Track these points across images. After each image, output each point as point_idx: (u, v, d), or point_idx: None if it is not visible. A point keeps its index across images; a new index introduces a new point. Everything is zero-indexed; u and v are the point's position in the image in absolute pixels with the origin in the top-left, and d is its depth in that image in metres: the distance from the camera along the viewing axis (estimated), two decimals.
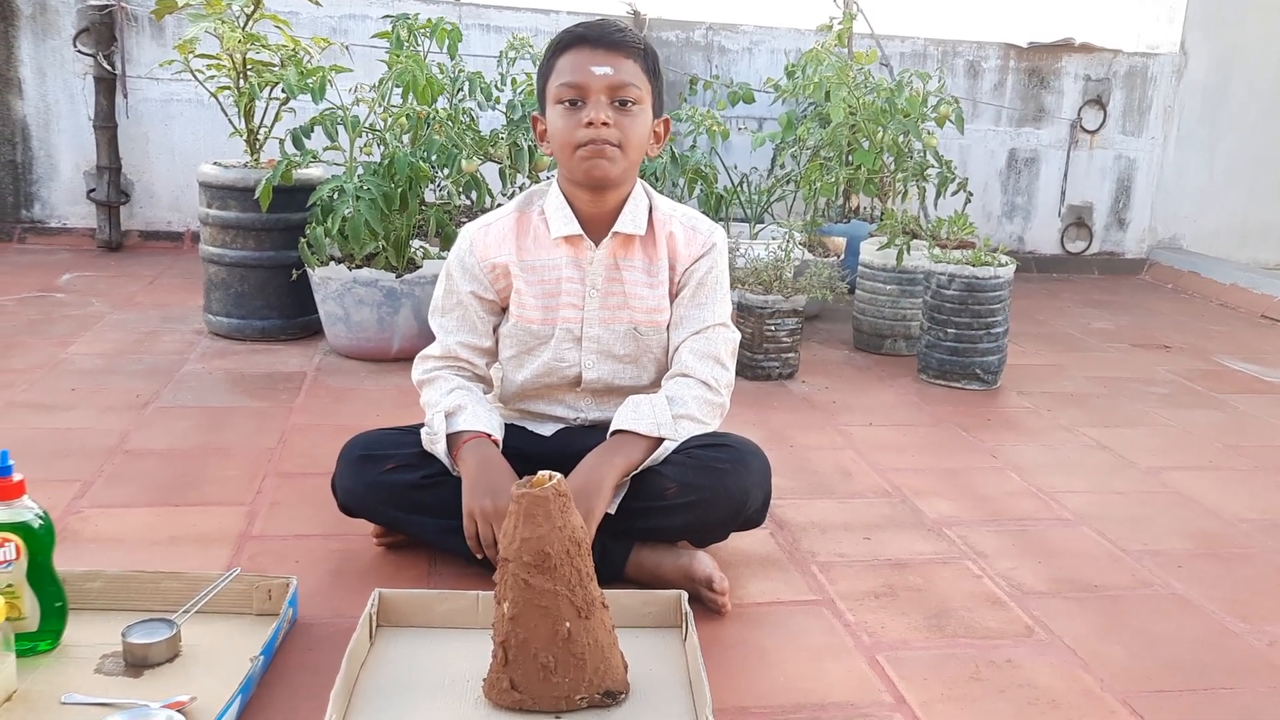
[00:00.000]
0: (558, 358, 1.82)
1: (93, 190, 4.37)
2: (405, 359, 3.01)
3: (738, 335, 1.86)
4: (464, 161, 2.73)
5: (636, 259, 1.79)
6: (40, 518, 1.44)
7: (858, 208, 4.36)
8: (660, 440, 1.71)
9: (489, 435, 1.72)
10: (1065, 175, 5.24)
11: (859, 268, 3.48)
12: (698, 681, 1.40)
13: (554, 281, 1.79)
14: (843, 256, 3.80)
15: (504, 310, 1.84)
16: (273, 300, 3.16)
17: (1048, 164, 5.23)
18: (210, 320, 3.22)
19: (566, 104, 1.67)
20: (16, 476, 1.42)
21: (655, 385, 1.85)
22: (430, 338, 1.87)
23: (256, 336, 3.17)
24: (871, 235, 3.73)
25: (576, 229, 1.76)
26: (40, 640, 1.45)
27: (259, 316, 3.16)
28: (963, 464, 2.47)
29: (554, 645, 1.35)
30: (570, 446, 1.83)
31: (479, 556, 1.65)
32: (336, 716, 1.29)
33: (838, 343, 3.55)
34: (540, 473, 1.41)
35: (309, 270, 3.00)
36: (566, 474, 1.79)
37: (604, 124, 1.65)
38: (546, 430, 1.89)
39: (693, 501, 1.69)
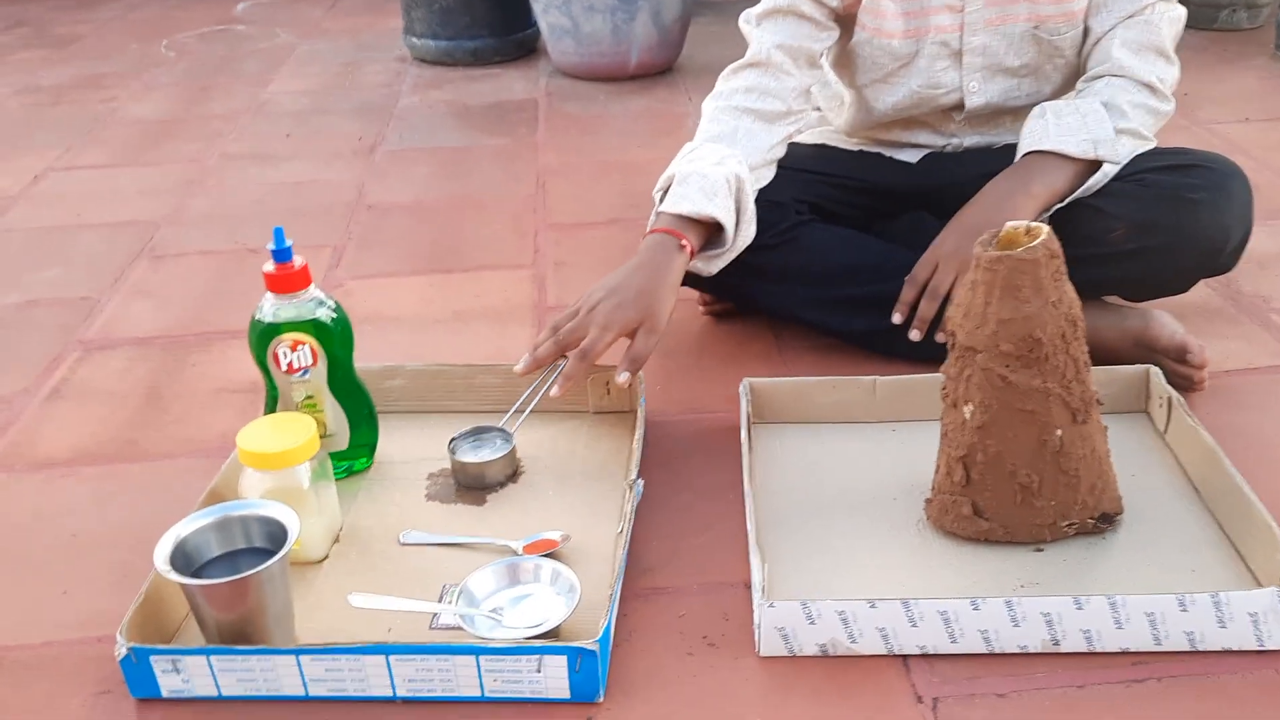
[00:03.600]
0: (929, 83, 1.34)
1: None
2: (644, 75, 2.55)
3: (1183, 12, 1.34)
4: None
5: None
6: (334, 311, 1.12)
7: None
8: (1095, 164, 1.26)
9: (680, 236, 1.21)
10: None
11: None
12: (1220, 489, 1.03)
13: None
14: None
15: (844, 21, 1.35)
16: (481, 16, 2.71)
17: None
18: (413, 44, 2.81)
19: None
20: (298, 261, 1.09)
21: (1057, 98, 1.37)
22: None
23: (468, 60, 2.75)
24: None
25: None
26: (354, 458, 1.17)
27: (468, 36, 2.73)
28: None
29: (1040, 460, 0.98)
30: (942, 177, 1.42)
31: (536, 354, 1.17)
32: (756, 550, 0.96)
33: None
34: (1012, 223, 0.98)
35: None
36: (933, 212, 1.40)
37: None
38: (910, 157, 1.46)
39: (1149, 247, 1.25)
